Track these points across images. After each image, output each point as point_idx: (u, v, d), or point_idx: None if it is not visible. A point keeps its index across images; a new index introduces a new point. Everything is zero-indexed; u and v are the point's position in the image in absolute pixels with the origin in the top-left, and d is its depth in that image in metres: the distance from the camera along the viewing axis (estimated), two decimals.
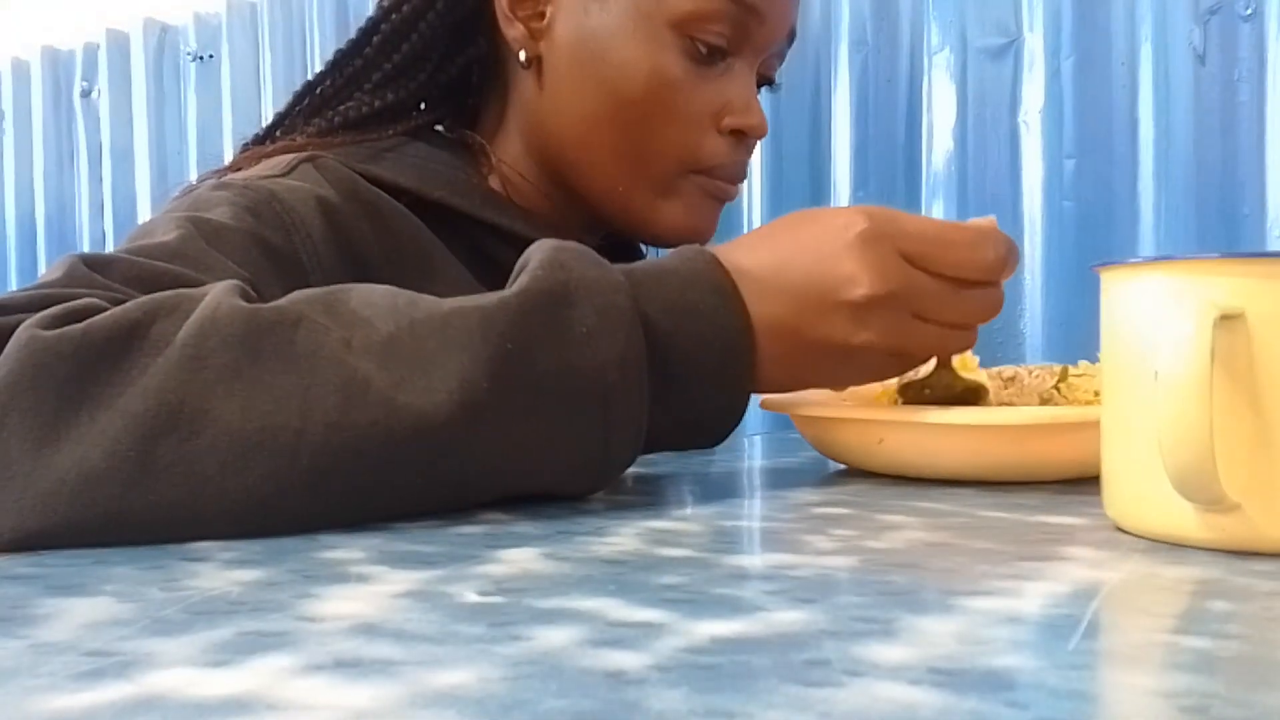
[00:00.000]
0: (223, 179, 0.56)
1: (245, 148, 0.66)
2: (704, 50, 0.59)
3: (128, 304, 0.36)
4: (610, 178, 0.62)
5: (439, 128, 0.68)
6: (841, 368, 0.45)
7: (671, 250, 0.46)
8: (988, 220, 0.46)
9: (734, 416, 0.44)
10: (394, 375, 0.36)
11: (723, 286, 0.43)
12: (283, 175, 0.56)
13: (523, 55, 0.62)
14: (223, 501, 0.35)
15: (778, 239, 0.45)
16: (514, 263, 0.42)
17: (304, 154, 0.58)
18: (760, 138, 0.63)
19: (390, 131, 0.63)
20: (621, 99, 0.59)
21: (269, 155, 0.60)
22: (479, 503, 0.41)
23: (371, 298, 0.39)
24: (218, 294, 0.37)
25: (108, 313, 0.36)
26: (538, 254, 0.41)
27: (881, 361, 0.45)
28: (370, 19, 0.65)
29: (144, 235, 0.47)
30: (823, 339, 0.44)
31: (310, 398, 0.35)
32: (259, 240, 0.50)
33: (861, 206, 0.45)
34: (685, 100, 0.60)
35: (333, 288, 0.40)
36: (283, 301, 0.38)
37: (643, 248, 0.73)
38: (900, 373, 0.47)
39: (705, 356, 0.42)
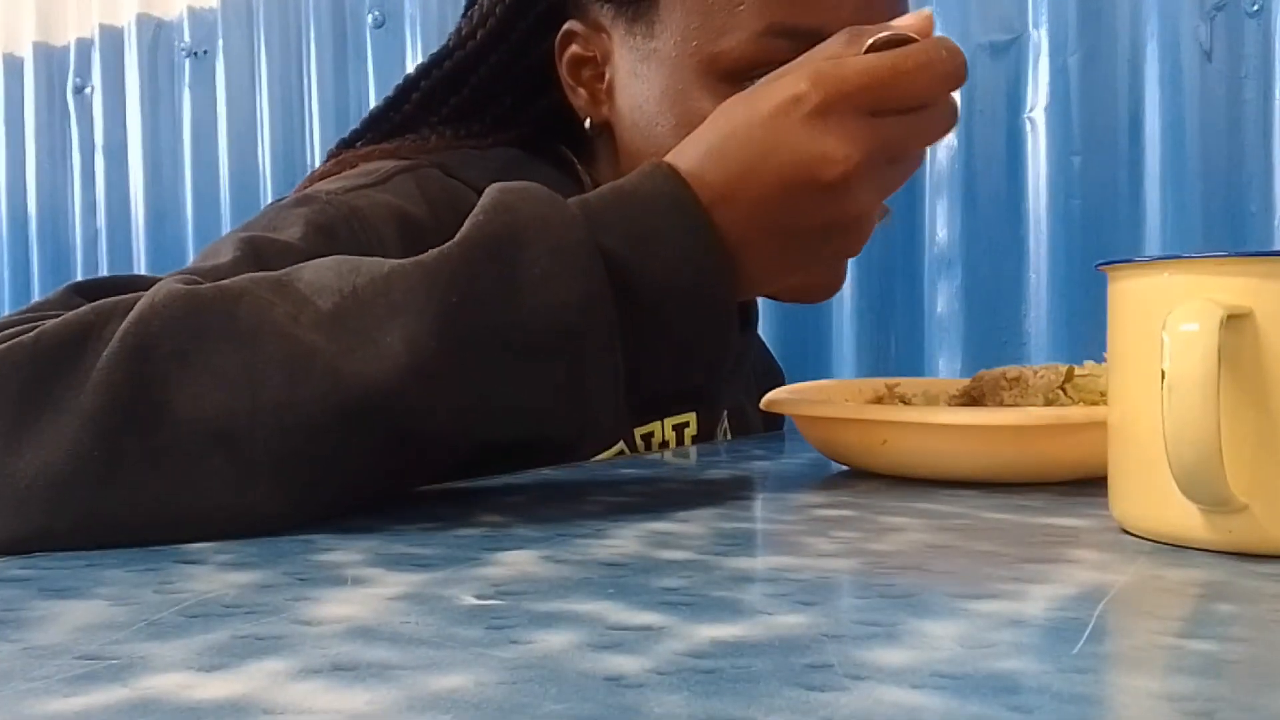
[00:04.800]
0: (308, 190, 0.55)
1: (332, 154, 0.64)
2: None
3: (82, 308, 0.36)
4: None
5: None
6: (835, 241, 0.43)
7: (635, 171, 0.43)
8: (923, 14, 0.43)
9: (725, 338, 0.42)
10: (341, 344, 0.35)
11: (683, 202, 0.40)
12: (373, 185, 0.55)
13: (588, 123, 0.61)
14: (195, 496, 0.34)
15: (730, 142, 0.41)
16: None
17: (406, 163, 0.57)
18: None
19: (490, 140, 0.62)
20: None
21: (366, 159, 0.59)
22: (460, 466, 0.40)
23: (319, 274, 0.37)
24: (161, 283, 0.37)
25: (60, 319, 0.35)
26: (485, 197, 0.39)
27: (871, 215, 0.43)
28: (408, 76, 0.63)
29: (210, 255, 0.47)
30: (815, 225, 0.41)
31: (257, 377, 0.34)
32: None
33: (802, 70, 0.41)
34: None
35: (287, 269, 0.38)
36: (227, 280, 0.37)
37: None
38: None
39: (676, 281, 0.39)
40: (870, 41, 0.42)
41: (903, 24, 0.43)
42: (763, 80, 0.43)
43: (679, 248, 0.40)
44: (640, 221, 0.40)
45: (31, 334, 0.35)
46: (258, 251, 0.46)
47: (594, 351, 0.38)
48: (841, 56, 0.41)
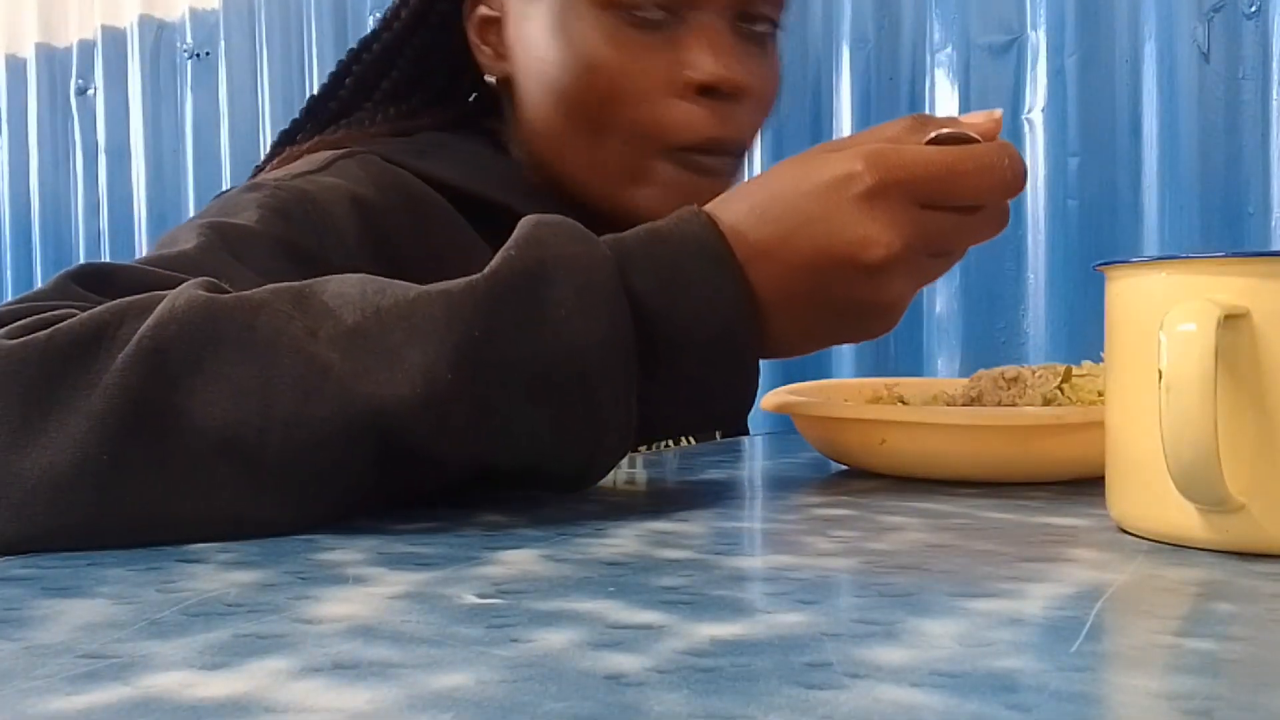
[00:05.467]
0: (255, 179, 0.55)
1: (277, 146, 0.65)
2: (645, 17, 0.56)
3: (97, 308, 0.36)
4: (593, 179, 0.60)
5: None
6: (866, 322, 0.43)
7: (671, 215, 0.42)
8: (993, 116, 0.43)
9: (744, 392, 0.42)
10: (357, 365, 0.35)
11: (719, 254, 0.40)
12: (319, 171, 0.55)
13: (490, 78, 0.62)
14: (198, 503, 0.34)
15: (776, 205, 0.41)
16: None
17: (345, 150, 0.58)
18: (735, 89, 0.57)
19: (426, 121, 0.63)
20: (566, 95, 0.58)
21: (308, 151, 0.60)
22: (458, 484, 0.40)
23: (343, 288, 0.37)
24: (182, 287, 0.37)
25: (75, 318, 0.35)
26: (518, 230, 0.39)
27: (905, 302, 0.43)
28: (340, 63, 0.64)
29: (168, 244, 0.47)
30: (848, 304, 0.42)
31: (270, 391, 0.34)
32: (288, 245, 0.49)
33: (860, 149, 0.41)
34: (631, 76, 0.57)
35: (309, 280, 0.38)
36: (250, 291, 0.37)
37: None
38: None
39: (701, 332, 0.39)
40: (934, 134, 0.42)
41: (970, 121, 0.43)
42: (818, 148, 0.43)
43: (707, 296, 0.39)
44: (671, 265, 0.39)
45: (46, 331, 0.35)
46: (223, 235, 0.46)
47: (609, 395, 0.37)
48: (903, 141, 0.41)
